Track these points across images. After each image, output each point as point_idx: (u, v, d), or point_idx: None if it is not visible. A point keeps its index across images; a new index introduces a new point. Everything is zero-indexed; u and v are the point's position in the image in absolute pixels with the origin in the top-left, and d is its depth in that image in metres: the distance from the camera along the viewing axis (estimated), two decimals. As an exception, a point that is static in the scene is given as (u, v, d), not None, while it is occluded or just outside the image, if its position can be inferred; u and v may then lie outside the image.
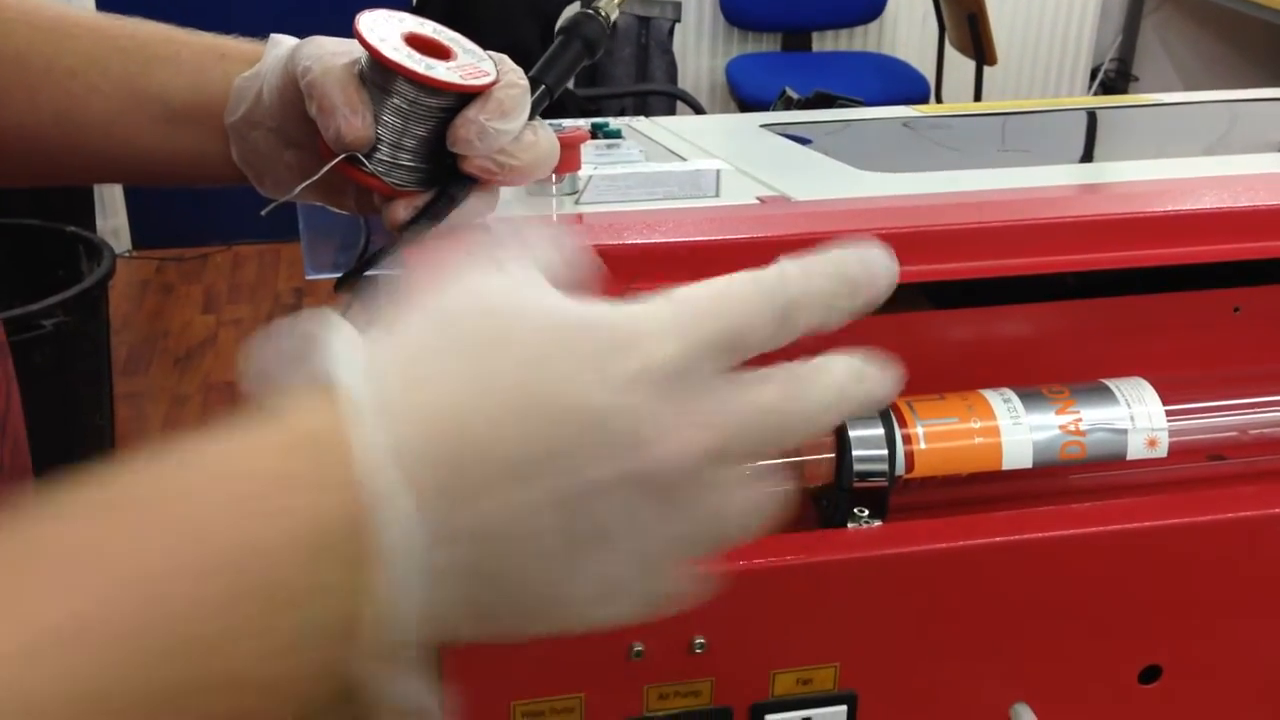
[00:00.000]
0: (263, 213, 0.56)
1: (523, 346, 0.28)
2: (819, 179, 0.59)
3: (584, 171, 0.57)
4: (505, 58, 0.49)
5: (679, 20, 2.89)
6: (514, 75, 0.48)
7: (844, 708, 0.47)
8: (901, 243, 0.48)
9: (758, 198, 0.53)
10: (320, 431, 0.27)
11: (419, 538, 0.27)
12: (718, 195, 0.54)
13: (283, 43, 0.53)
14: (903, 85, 2.89)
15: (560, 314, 0.29)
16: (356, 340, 0.28)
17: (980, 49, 2.54)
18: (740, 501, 0.30)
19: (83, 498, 0.27)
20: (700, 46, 3.16)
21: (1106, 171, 0.65)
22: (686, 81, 3.08)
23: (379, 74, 0.47)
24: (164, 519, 0.27)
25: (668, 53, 2.85)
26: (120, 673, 0.25)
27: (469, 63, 0.48)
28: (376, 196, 0.49)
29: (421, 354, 0.28)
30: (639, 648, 0.44)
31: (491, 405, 0.28)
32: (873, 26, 3.19)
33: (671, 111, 2.55)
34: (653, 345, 0.28)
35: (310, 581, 0.27)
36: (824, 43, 3.19)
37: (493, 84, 0.47)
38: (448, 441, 0.27)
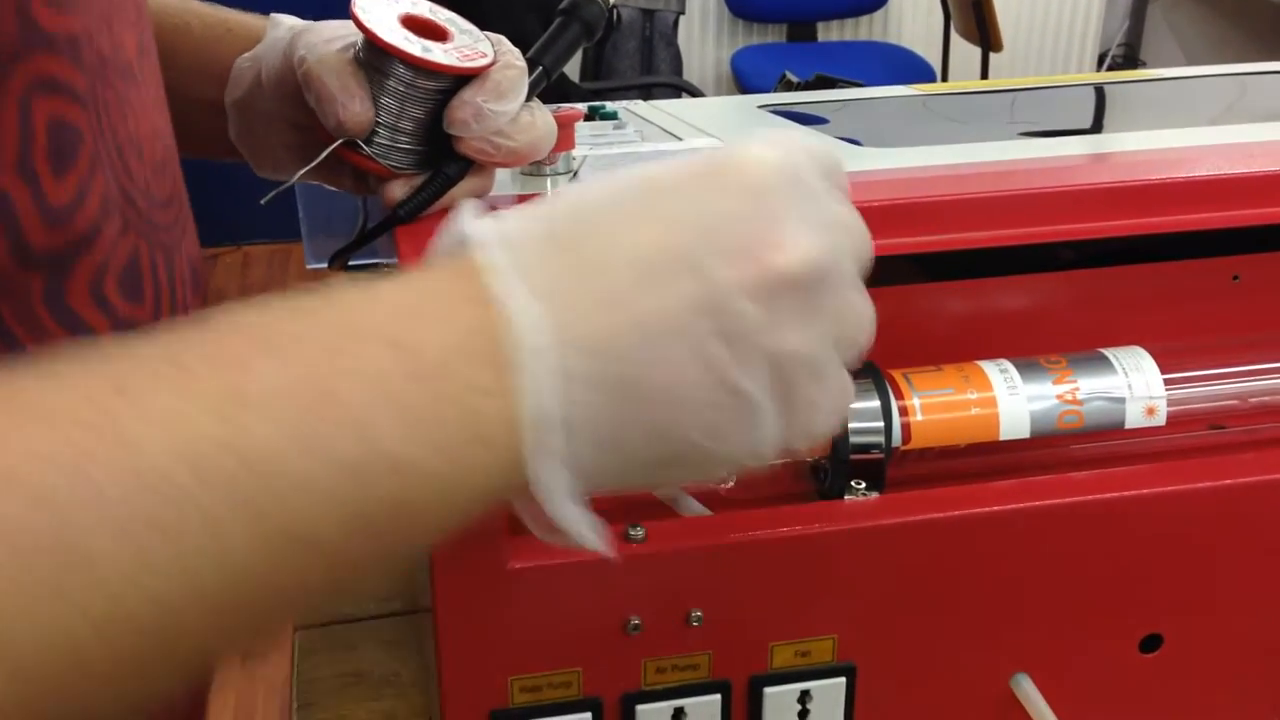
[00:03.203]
0: (262, 201, 0.56)
1: (643, 173, 0.30)
2: (815, 156, 0.59)
3: (579, 151, 0.57)
4: (503, 39, 0.49)
5: (683, 12, 2.88)
6: (511, 57, 0.48)
7: (843, 679, 0.47)
8: (895, 214, 0.48)
9: (752, 174, 0.53)
10: (458, 264, 0.29)
11: (551, 347, 0.28)
12: (712, 172, 0.54)
13: (282, 23, 0.53)
14: (908, 73, 2.89)
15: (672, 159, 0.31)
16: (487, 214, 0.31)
17: (986, 35, 2.53)
18: (859, 303, 0.32)
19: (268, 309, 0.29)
20: (705, 38, 3.16)
21: (1108, 143, 0.65)
22: (692, 74, 3.08)
23: (375, 57, 0.47)
24: (333, 319, 0.29)
25: (672, 45, 2.85)
26: (296, 440, 0.26)
27: (466, 44, 0.48)
28: (372, 178, 0.49)
29: (542, 203, 0.30)
30: (636, 621, 0.44)
31: (616, 214, 0.29)
32: (878, 15, 3.18)
33: (677, 103, 2.54)
34: (759, 154, 0.31)
35: (467, 381, 0.28)
36: (829, 32, 3.19)
37: (490, 65, 0.47)
38: (567, 253, 0.29)
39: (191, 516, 0.25)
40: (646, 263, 0.29)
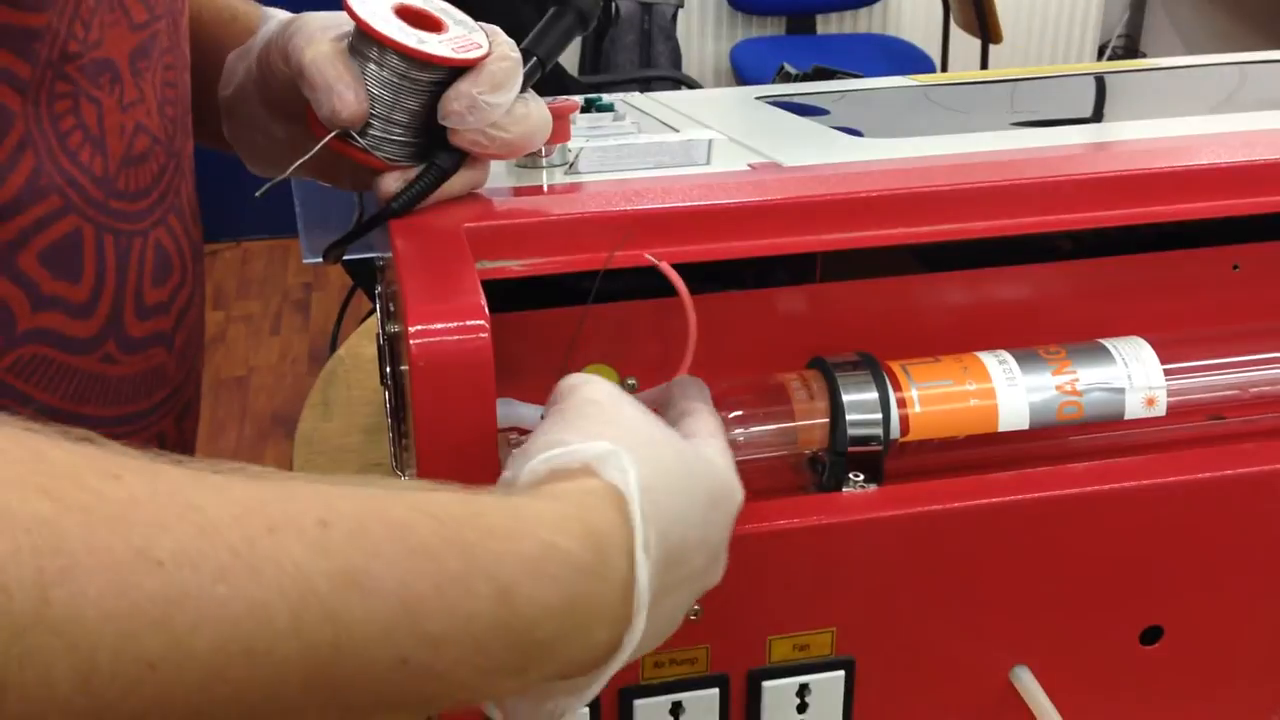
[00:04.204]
0: (257, 194, 0.56)
1: (702, 499, 0.39)
2: (813, 146, 0.59)
3: (576, 143, 0.57)
4: (497, 29, 0.49)
5: (682, 6, 2.88)
6: (505, 48, 0.48)
7: (842, 673, 0.46)
8: (891, 205, 0.48)
9: (749, 164, 0.53)
10: (611, 540, 0.35)
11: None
12: (709, 163, 0.54)
13: (273, 17, 0.53)
14: (908, 66, 2.88)
15: (711, 470, 0.40)
16: (631, 477, 0.36)
17: (985, 27, 2.52)
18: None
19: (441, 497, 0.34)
20: (704, 31, 3.15)
21: (1108, 132, 0.64)
22: (691, 67, 3.07)
23: (369, 48, 0.47)
24: (478, 539, 0.32)
25: (671, 39, 2.84)
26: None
27: (460, 35, 0.48)
28: (368, 172, 0.49)
29: (662, 495, 0.37)
30: (634, 615, 0.44)
31: (689, 535, 0.38)
32: (877, 8, 3.17)
33: (676, 97, 2.53)
34: (738, 495, 0.42)
35: (570, 639, 0.34)
36: (828, 25, 3.18)
37: (484, 57, 0.47)
38: (668, 561, 0.37)
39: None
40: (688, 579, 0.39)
